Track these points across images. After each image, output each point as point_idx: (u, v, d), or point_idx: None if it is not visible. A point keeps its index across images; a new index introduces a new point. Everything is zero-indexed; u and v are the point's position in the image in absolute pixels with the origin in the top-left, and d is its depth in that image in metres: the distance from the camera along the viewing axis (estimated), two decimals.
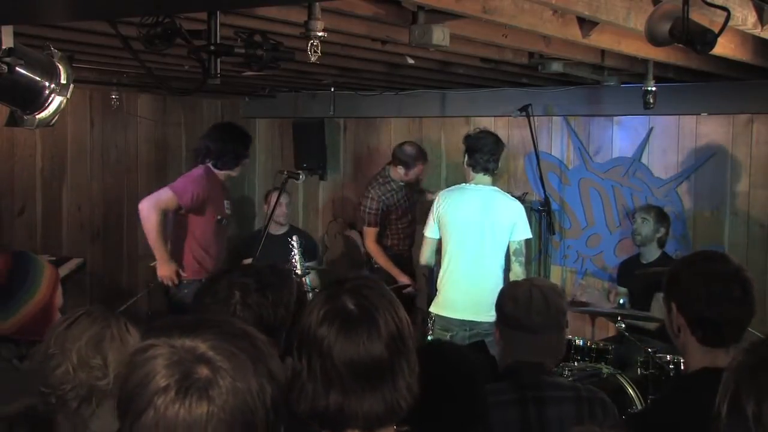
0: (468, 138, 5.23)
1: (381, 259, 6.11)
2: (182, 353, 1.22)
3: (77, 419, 2.26)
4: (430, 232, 5.14)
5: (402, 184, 6.20)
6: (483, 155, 5.06)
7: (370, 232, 6.18)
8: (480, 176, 5.08)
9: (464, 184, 5.15)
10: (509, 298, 2.70)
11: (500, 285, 4.83)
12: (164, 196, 5.35)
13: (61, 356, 2.28)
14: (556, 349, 2.77)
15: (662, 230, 5.63)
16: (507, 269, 5.11)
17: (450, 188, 5.27)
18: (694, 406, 1.76)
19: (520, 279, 4.93)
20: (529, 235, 5.15)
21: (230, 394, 1.20)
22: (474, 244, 5.01)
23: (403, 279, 5.94)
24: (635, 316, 5.24)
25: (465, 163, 5.16)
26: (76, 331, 2.32)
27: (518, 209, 5.11)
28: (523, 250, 5.10)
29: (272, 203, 6.77)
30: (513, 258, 5.08)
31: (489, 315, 4.73)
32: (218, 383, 1.20)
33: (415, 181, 6.33)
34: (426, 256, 5.21)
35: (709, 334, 2.23)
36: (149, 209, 5.28)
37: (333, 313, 1.72)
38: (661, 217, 5.65)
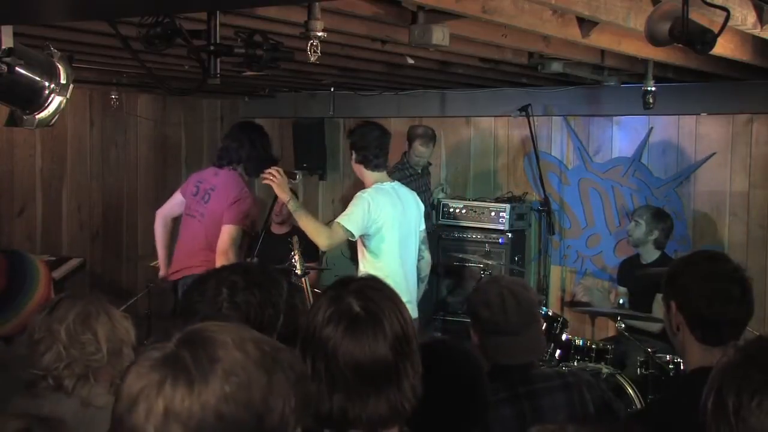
0: (352, 134, 4.98)
1: None
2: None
3: (78, 398, 2.27)
4: (354, 227, 4.61)
5: (419, 171, 6.11)
6: (371, 151, 4.81)
7: None
8: (376, 173, 4.85)
9: (381, 185, 4.82)
10: (482, 304, 2.68)
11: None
12: (248, 209, 5.09)
13: (50, 339, 2.29)
14: (539, 344, 2.85)
15: (656, 232, 5.58)
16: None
17: (373, 191, 4.79)
18: (691, 406, 1.76)
19: (430, 265, 5.05)
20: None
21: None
22: (406, 244, 4.87)
23: None
24: (635, 316, 5.25)
25: (354, 160, 4.88)
26: (60, 312, 2.33)
27: (419, 199, 5.11)
28: (426, 237, 5.10)
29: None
30: (423, 247, 5.01)
31: (414, 310, 4.73)
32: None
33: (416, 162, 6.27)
34: (330, 243, 4.73)
35: (708, 333, 2.23)
36: (237, 237, 5.04)
37: (338, 314, 1.71)
38: (657, 218, 5.62)
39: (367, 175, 4.84)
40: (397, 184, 4.94)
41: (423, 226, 5.04)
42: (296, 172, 5.04)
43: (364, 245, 4.76)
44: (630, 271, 5.76)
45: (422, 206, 5.06)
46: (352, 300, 1.73)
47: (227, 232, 5.01)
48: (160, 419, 1.13)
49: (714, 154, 5.97)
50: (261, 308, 2.06)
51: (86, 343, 2.30)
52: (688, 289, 2.27)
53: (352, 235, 4.64)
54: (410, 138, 6.24)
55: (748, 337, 1.79)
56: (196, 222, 5.21)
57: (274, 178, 4.59)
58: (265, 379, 1.18)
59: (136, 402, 1.15)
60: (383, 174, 4.88)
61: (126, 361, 2.36)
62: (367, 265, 4.76)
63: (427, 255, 5.05)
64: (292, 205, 4.66)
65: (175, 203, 5.41)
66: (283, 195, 4.62)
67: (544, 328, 4.99)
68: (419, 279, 4.98)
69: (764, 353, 1.48)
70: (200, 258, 5.10)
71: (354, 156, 4.86)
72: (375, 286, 1.81)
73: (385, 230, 4.71)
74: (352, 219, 4.61)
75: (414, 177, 6.13)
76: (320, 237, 4.64)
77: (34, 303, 2.73)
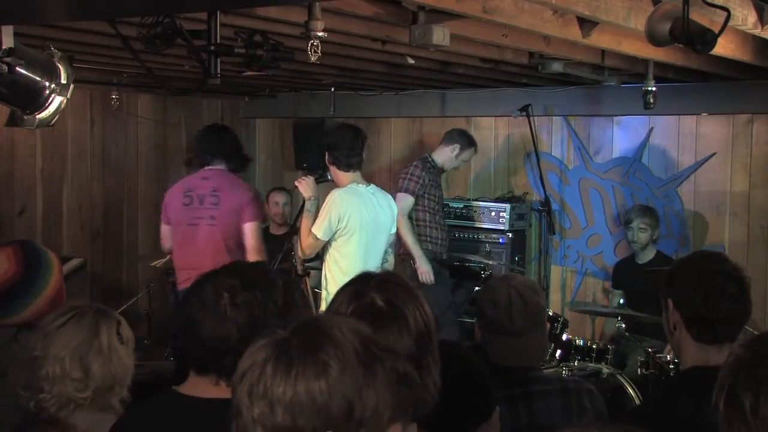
0: (326, 135, 5.04)
1: (409, 237, 5.69)
2: None
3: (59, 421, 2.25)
4: (324, 234, 4.70)
5: (442, 169, 6.05)
6: (342, 151, 4.78)
7: (407, 201, 5.77)
8: (351, 174, 4.82)
9: (354, 186, 4.80)
10: (489, 302, 2.66)
11: None
12: (262, 204, 5.20)
13: (44, 360, 2.25)
14: (541, 349, 2.82)
15: (656, 231, 5.63)
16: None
17: (346, 191, 4.80)
18: (688, 405, 1.77)
19: (393, 268, 5.02)
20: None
21: None
22: (373, 247, 4.84)
23: (422, 267, 5.67)
24: (636, 317, 5.23)
25: (327, 160, 4.87)
26: (65, 336, 2.27)
27: (395, 204, 5.08)
28: (394, 241, 5.12)
29: (271, 203, 6.80)
30: (390, 250, 5.00)
31: None
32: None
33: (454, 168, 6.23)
34: (309, 252, 4.82)
35: (704, 331, 2.23)
36: (260, 233, 5.14)
37: (362, 309, 1.70)
38: (654, 217, 5.64)
39: (341, 175, 4.84)
40: (372, 188, 4.91)
41: (394, 230, 5.03)
42: (328, 172, 5.01)
43: (330, 243, 4.78)
44: (625, 273, 5.76)
45: (395, 210, 5.04)
46: (375, 295, 1.72)
47: (253, 230, 5.01)
48: (259, 395, 1.25)
49: (714, 154, 5.97)
50: (263, 306, 2.06)
51: (75, 380, 2.25)
52: (684, 286, 2.28)
53: (323, 242, 4.73)
54: (464, 143, 6.07)
55: (748, 336, 1.79)
56: (205, 228, 5.08)
57: (303, 181, 4.81)
58: (362, 374, 1.26)
59: (243, 377, 1.28)
60: (357, 175, 4.85)
61: (115, 399, 2.32)
62: (329, 261, 4.80)
63: (391, 258, 5.05)
64: (308, 204, 4.78)
65: (169, 235, 5.24)
66: (307, 193, 4.80)
67: None
68: None
69: None
70: (220, 260, 5.03)
71: (327, 156, 4.88)
72: (396, 281, 1.80)
73: (351, 232, 4.73)
74: (321, 225, 4.70)
75: (435, 171, 6.02)
76: (303, 244, 4.77)
77: (50, 289, 2.75)
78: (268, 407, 1.24)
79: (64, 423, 2.24)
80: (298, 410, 1.23)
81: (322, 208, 4.76)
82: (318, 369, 1.24)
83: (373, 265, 4.84)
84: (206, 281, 2.10)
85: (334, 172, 4.88)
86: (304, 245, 4.76)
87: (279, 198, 6.74)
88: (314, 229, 4.70)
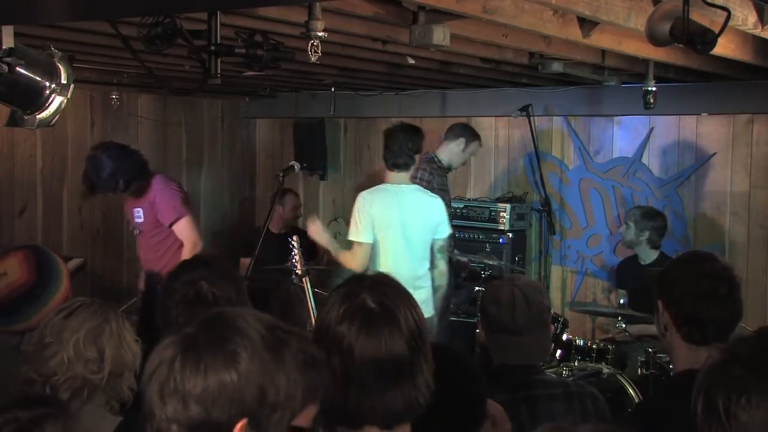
0: (384, 132, 5.06)
1: None
2: None
3: (66, 414, 2.26)
4: (365, 236, 4.68)
5: (449, 169, 5.89)
6: (391, 151, 4.84)
7: None
8: (395, 174, 4.83)
9: (385, 184, 4.85)
10: (492, 300, 2.67)
11: (430, 283, 4.82)
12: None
13: (58, 345, 2.28)
14: (543, 348, 2.82)
15: (647, 232, 5.53)
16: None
17: (371, 190, 4.87)
18: (678, 408, 1.77)
19: (445, 275, 4.93)
20: (450, 231, 5.01)
21: None
22: (403, 247, 4.77)
23: None
24: (637, 318, 5.23)
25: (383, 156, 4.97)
26: (75, 322, 2.31)
27: (442, 207, 4.96)
28: (446, 246, 5.01)
29: (275, 203, 6.80)
30: (439, 255, 4.90)
31: (428, 311, 4.68)
32: None
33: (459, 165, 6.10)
34: (361, 262, 4.72)
35: (693, 332, 2.23)
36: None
37: (353, 311, 1.70)
38: (646, 218, 5.57)
39: (386, 173, 4.92)
40: (414, 188, 4.89)
41: (445, 234, 4.91)
42: (292, 164, 5.03)
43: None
44: (628, 273, 5.76)
45: (441, 213, 4.90)
46: (367, 296, 1.72)
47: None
48: (170, 392, 1.27)
49: (714, 154, 5.97)
50: (236, 284, 2.09)
51: (90, 361, 2.29)
52: (674, 287, 2.27)
53: (369, 245, 4.71)
54: (468, 136, 5.94)
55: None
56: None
57: (315, 230, 4.92)
58: (271, 359, 1.29)
59: (152, 377, 1.29)
60: (403, 175, 4.84)
61: (125, 385, 2.36)
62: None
63: (442, 265, 4.91)
64: (333, 250, 4.90)
65: None
66: (322, 241, 4.93)
67: None
68: (433, 288, 4.84)
69: (748, 352, 1.49)
70: None
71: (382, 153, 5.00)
72: (388, 282, 1.80)
73: (377, 227, 4.71)
74: (359, 230, 4.70)
75: (443, 171, 5.85)
76: (352, 264, 4.75)
77: (59, 296, 2.79)
78: (181, 403, 1.25)
79: (67, 412, 2.25)
80: (210, 402, 1.25)
81: (353, 212, 4.80)
82: (227, 359, 1.27)
83: (407, 267, 4.71)
84: (173, 281, 2.11)
85: (385, 172, 4.96)
86: (352, 262, 4.73)
87: (297, 202, 6.91)
88: (355, 237, 4.71)
